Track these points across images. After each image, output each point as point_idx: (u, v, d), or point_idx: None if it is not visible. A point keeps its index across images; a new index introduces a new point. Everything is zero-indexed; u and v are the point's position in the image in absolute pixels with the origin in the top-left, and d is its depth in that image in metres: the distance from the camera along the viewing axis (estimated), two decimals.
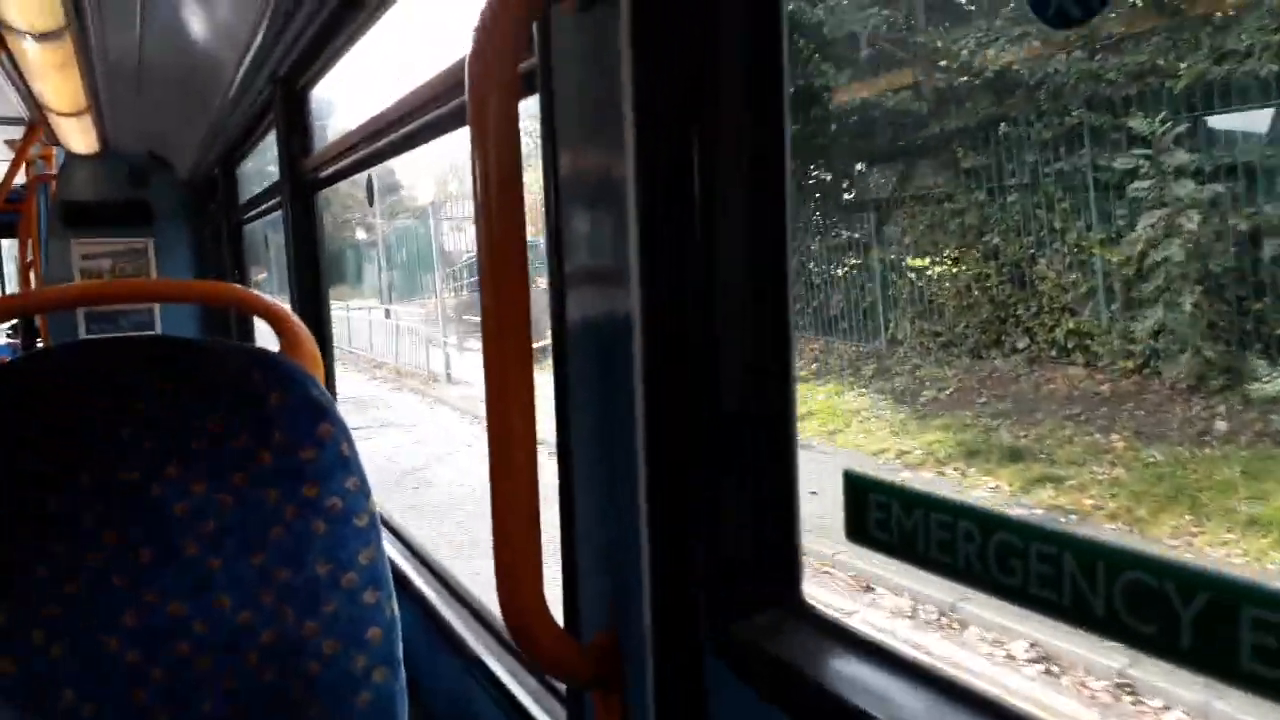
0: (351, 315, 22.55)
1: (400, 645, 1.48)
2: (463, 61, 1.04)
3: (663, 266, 0.94)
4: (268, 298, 1.84)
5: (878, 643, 0.84)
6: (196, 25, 2.80)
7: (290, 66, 2.63)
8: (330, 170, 2.39)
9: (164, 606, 1.43)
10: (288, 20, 2.37)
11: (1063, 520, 7.05)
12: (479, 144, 1.00)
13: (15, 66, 3.31)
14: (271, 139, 3.22)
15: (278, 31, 2.49)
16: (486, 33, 0.98)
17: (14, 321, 6.72)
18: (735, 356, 0.93)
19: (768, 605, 0.92)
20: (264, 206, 3.64)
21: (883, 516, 0.78)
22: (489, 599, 1.77)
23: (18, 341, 6.25)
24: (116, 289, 3.41)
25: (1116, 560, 0.60)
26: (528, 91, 1.11)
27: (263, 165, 4.59)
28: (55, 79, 3.40)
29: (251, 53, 2.72)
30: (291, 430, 1.45)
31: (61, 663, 1.39)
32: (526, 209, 1.03)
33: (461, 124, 1.48)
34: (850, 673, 0.82)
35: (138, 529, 1.44)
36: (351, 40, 2.30)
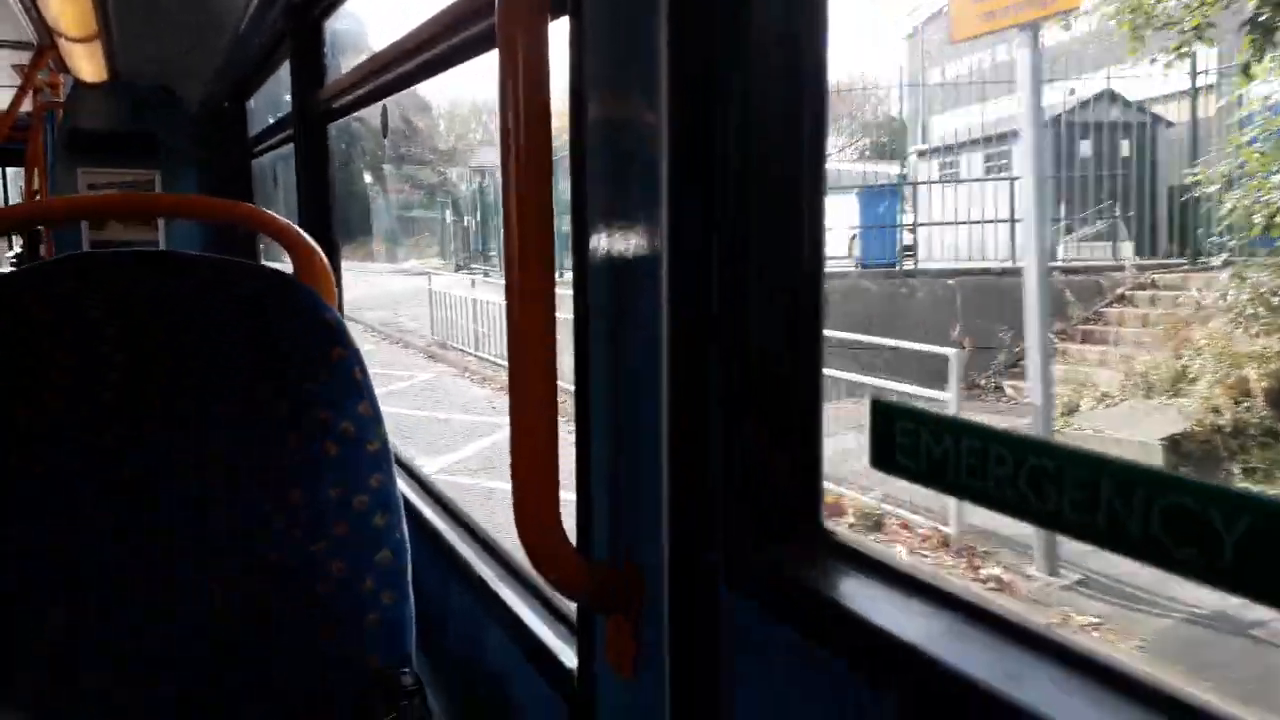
0: (434, 284, 17.92)
1: (409, 569, 1.49)
2: None
3: (692, 199, 0.93)
4: (283, 219, 1.83)
5: (899, 567, 0.84)
6: None
7: None
8: (344, 100, 2.36)
9: (171, 524, 1.43)
10: None
11: None
12: (508, 67, 0.98)
13: None
14: (283, 71, 3.18)
15: None
16: None
17: (17, 250, 6.70)
18: (764, 285, 0.92)
19: (787, 534, 0.92)
20: (275, 139, 3.60)
21: (909, 443, 0.77)
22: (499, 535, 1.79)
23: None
24: (123, 200, 3.38)
25: (1156, 484, 0.60)
26: (557, 13, 1.09)
27: (278, 96, 4.55)
28: (66, 3, 3.36)
29: None
30: (304, 353, 1.45)
31: (59, 577, 1.39)
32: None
33: (487, 48, 1.46)
34: (869, 595, 0.82)
35: (146, 446, 1.44)
36: None
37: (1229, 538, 0.56)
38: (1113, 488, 0.63)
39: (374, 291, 24.01)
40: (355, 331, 1.49)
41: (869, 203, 15.13)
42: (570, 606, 1.36)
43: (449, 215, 27.45)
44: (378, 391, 1.49)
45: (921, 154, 19.13)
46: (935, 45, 23.39)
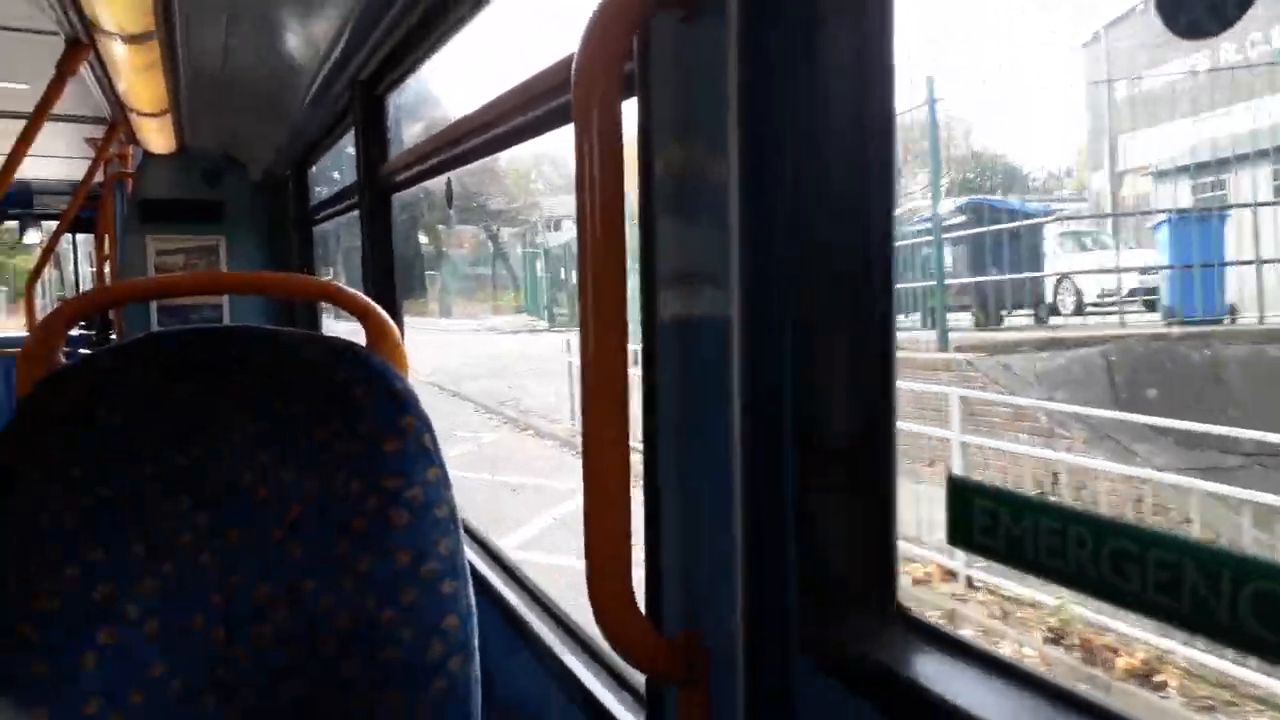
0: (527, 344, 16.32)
1: (476, 635, 1.50)
2: (562, 64, 1.06)
3: (762, 273, 0.95)
4: (351, 290, 1.88)
5: (975, 646, 0.84)
6: (281, 29, 2.86)
7: (371, 71, 2.69)
8: (408, 174, 2.43)
9: (249, 589, 1.47)
10: (371, 26, 2.42)
11: None
12: (584, 140, 1.02)
13: (102, 67, 3.41)
14: (345, 142, 3.28)
15: (360, 37, 2.54)
16: (595, 35, 1.01)
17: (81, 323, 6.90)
18: (837, 363, 0.94)
19: (862, 610, 0.93)
20: (338, 207, 3.71)
21: (988, 523, 0.78)
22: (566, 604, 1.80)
23: (92, 333, 6.42)
24: (197, 280, 3.49)
25: (1242, 570, 0.60)
26: (629, 93, 1.13)
27: (328, 167, 4.68)
28: (139, 80, 3.50)
29: (333, 58, 2.78)
30: (375, 421, 1.49)
31: (155, 637, 1.44)
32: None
33: (556, 125, 1.51)
34: (945, 673, 0.82)
35: (227, 513, 1.48)
36: (434, 48, 2.34)
37: None
38: (1196, 570, 0.63)
39: (462, 354, 20.59)
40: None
41: (1179, 235, 11.48)
42: (640, 678, 1.36)
43: (516, 268, 28.02)
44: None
45: (1162, 174, 15.88)
46: (1124, 52, 19.66)
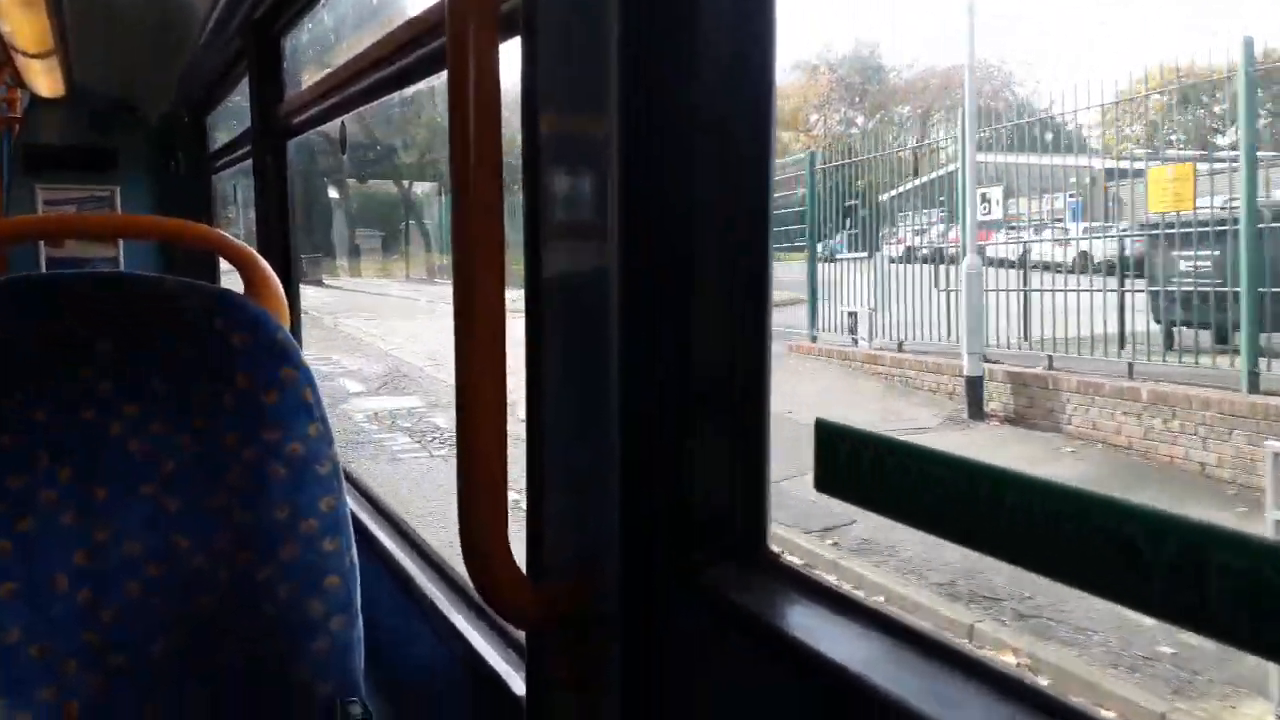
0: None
1: (358, 594, 1.47)
2: (443, 2, 1.01)
3: (642, 224, 0.93)
4: (235, 239, 1.81)
5: (839, 592, 0.84)
6: None
7: (265, 10, 2.58)
8: (303, 117, 2.34)
9: (117, 546, 1.41)
10: None
11: None
12: (458, 87, 0.98)
13: None
14: (244, 86, 3.16)
15: None
16: None
17: None
18: (712, 314, 0.92)
19: (734, 556, 0.92)
20: (234, 155, 3.57)
21: (852, 465, 0.77)
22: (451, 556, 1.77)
23: None
24: (80, 221, 3.34)
25: (1088, 509, 0.60)
26: (509, 34, 1.09)
27: (233, 114, 4.51)
28: (22, 17, 3.31)
29: None
30: (254, 373, 1.43)
31: (10, 601, 1.37)
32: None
33: (439, 68, 1.45)
34: (812, 621, 0.82)
35: (93, 467, 1.41)
36: None
37: (1157, 561, 0.56)
38: (1044, 510, 0.63)
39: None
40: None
41: None
42: (522, 633, 1.35)
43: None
44: None
45: None
46: None
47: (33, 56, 3.86)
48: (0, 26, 3.47)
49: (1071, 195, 11.77)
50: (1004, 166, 11.42)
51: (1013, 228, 11.69)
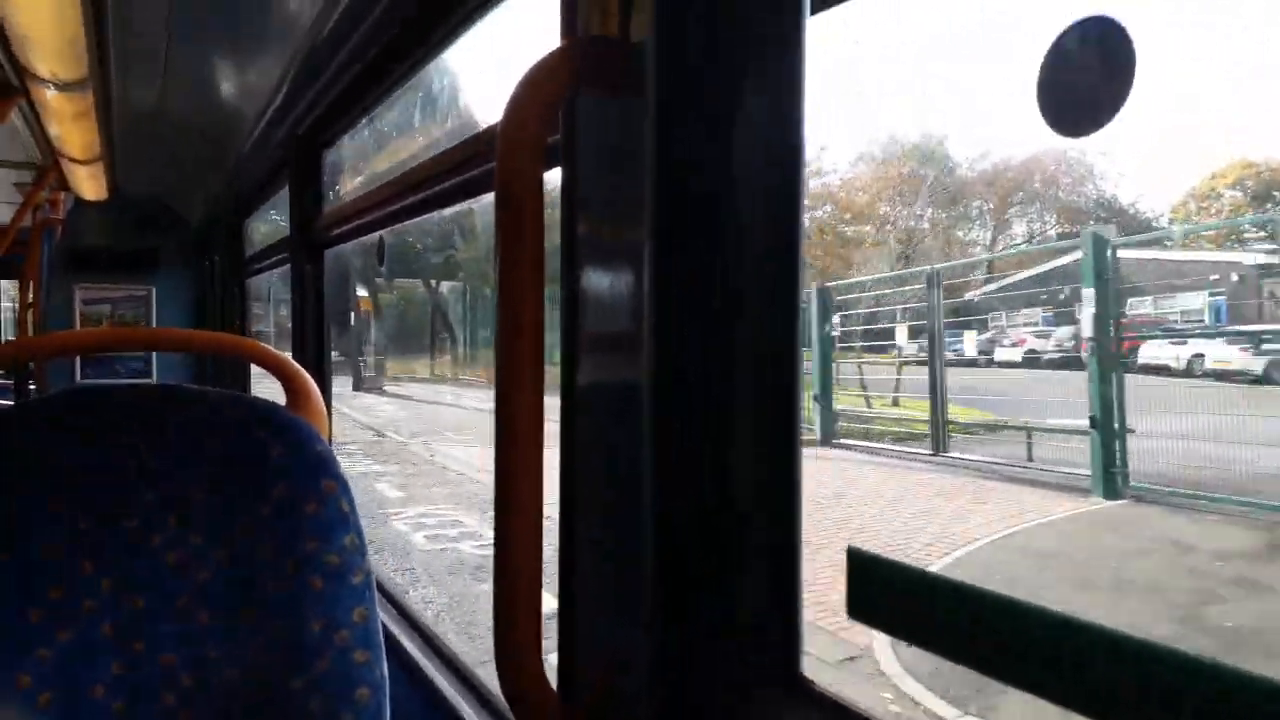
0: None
1: (388, 707, 1.47)
2: (487, 131, 1.07)
3: (677, 334, 0.96)
4: (275, 351, 1.86)
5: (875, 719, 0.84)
6: (218, 81, 2.86)
7: (309, 126, 2.69)
8: (342, 229, 2.42)
9: (153, 657, 1.42)
10: (309, 81, 2.43)
11: None
12: (505, 207, 1.03)
13: (34, 112, 3.36)
14: (283, 194, 3.27)
15: (299, 90, 2.54)
16: (519, 109, 1.03)
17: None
18: (745, 435, 0.95)
19: (768, 682, 0.93)
20: (270, 260, 3.67)
21: (885, 595, 0.79)
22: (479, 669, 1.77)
23: (9, 382, 6.23)
24: (122, 336, 3.42)
25: (1136, 655, 0.61)
26: (550, 164, 1.15)
27: (269, 219, 4.64)
28: (72, 128, 3.46)
29: (271, 110, 2.78)
30: (293, 484, 1.46)
31: (47, 710, 1.38)
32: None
33: (481, 191, 1.52)
34: None
35: (133, 578, 1.43)
36: (372, 105, 2.35)
37: (1197, 705, 0.57)
38: (1103, 659, 0.64)
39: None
40: None
41: None
42: None
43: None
44: None
45: None
46: None
47: (79, 163, 4.01)
48: (49, 132, 3.62)
49: (1213, 294, 10.34)
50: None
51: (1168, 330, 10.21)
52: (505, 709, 1.58)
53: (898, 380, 12.78)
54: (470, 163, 1.48)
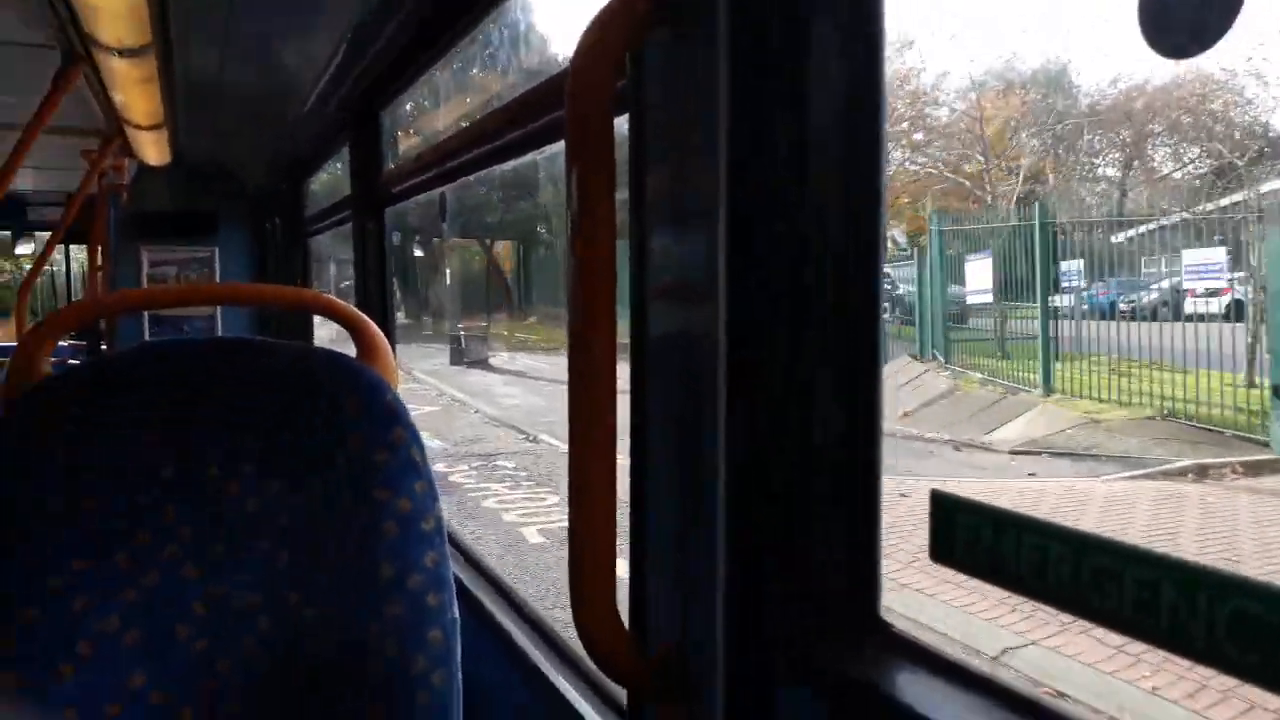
0: None
1: (459, 649, 1.50)
2: (555, 80, 1.06)
3: (750, 287, 0.96)
4: (343, 303, 1.89)
5: (958, 662, 0.84)
6: (278, 47, 2.88)
7: (366, 88, 2.71)
8: (403, 186, 2.44)
9: (233, 600, 1.47)
10: (368, 44, 2.44)
11: None
12: (576, 157, 1.03)
13: (99, 80, 3.42)
14: (342, 154, 3.30)
15: (356, 55, 2.56)
16: (588, 53, 1.02)
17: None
18: (824, 379, 0.94)
19: (844, 625, 0.93)
20: (331, 220, 3.72)
21: (971, 538, 0.79)
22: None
23: (82, 343, 6.40)
24: (189, 292, 3.49)
25: (1219, 588, 0.61)
26: (621, 109, 1.14)
27: (326, 179, 4.69)
28: (135, 94, 3.51)
29: (329, 74, 2.80)
30: (366, 433, 1.49)
31: (135, 648, 1.43)
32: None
33: (549, 140, 1.52)
34: (927, 691, 0.83)
35: (214, 523, 1.48)
36: (427, 67, 2.36)
37: None
38: (1173, 589, 0.64)
39: None
40: None
41: None
42: (621, 693, 1.36)
43: None
44: None
45: None
46: None
47: (143, 129, 4.08)
48: (113, 99, 3.68)
49: None
50: None
51: None
52: (576, 655, 1.61)
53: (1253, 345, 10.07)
54: (537, 112, 1.48)
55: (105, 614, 1.43)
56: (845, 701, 0.88)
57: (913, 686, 0.84)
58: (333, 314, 1.86)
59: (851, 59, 0.93)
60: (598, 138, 1.02)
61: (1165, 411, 10.75)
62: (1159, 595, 0.64)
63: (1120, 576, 0.67)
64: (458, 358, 22.06)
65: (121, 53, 3.02)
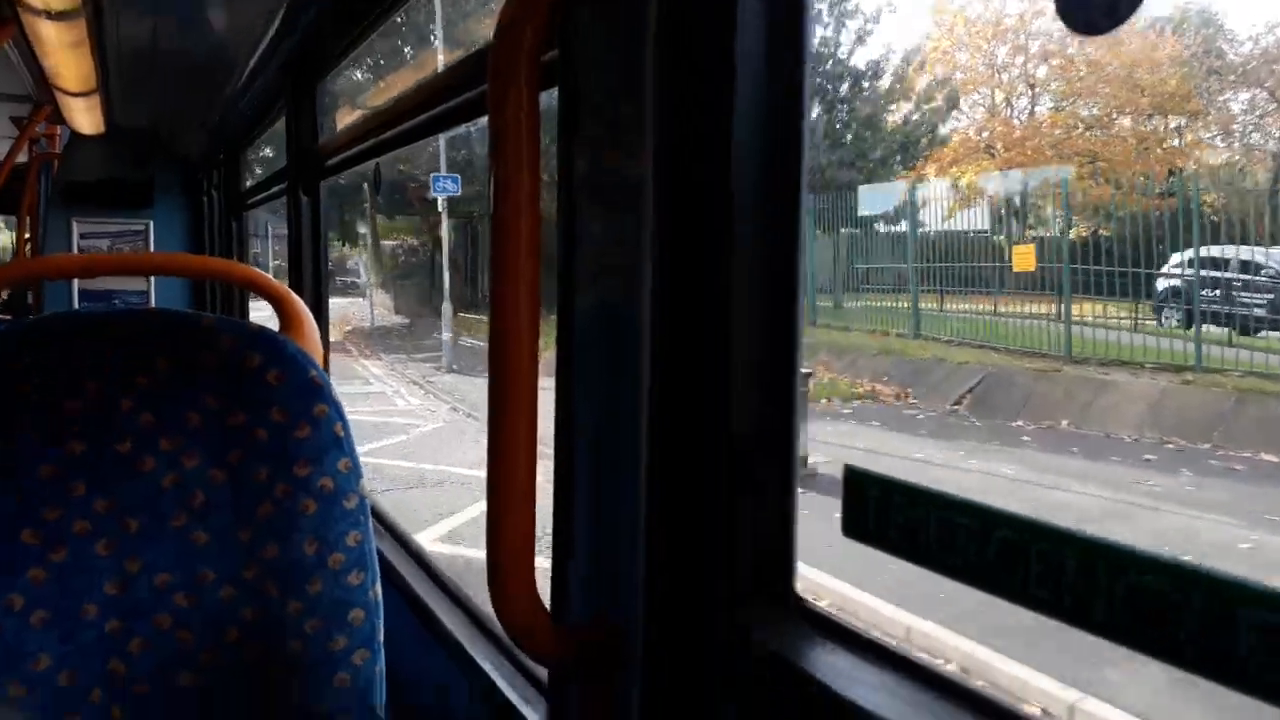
0: None
1: (381, 629, 1.48)
2: (481, 52, 1.04)
3: (676, 268, 0.95)
4: (273, 279, 1.85)
5: (869, 638, 0.84)
6: (211, 12, 2.81)
7: (302, 57, 2.65)
8: (338, 159, 2.40)
9: (148, 577, 1.43)
10: (303, 10, 2.38)
11: None
12: (498, 133, 1.01)
13: (28, 44, 3.31)
14: (278, 126, 3.23)
15: (293, 21, 2.50)
16: (510, 23, 1.00)
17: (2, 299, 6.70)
18: (742, 355, 0.94)
19: (762, 604, 0.93)
20: (268, 193, 3.64)
21: (881, 513, 0.79)
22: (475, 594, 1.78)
23: (7, 317, 6.23)
24: (121, 261, 3.41)
25: (1117, 561, 0.61)
26: (547, 84, 1.12)
27: (264, 151, 4.59)
28: (66, 58, 3.41)
29: (264, 42, 2.73)
30: (287, 409, 1.46)
31: (41, 628, 1.39)
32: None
33: (478, 114, 1.49)
34: (839, 665, 0.83)
35: (127, 499, 1.44)
36: (364, 35, 2.31)
37: (1187, 616, 0.56)
38: (1075, 563, 0.64)
39: None
40: None
41: None
42: (544, 671, 1.35)
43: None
44: None
45: None
46: None
47: (74, 95, 3.96)
48: (44, 64, 3.57)
49: None
50: None
51: None
52: (500, 632, 1.59)
53: None
54: (467, 84, 1.46)
55: (7, 591, 1.39)
56: (763, 676, 0.88)
57: (826, 661, 0.84)
58: (256, 287, 1.82)
59: (776, 33, 0.92)
60: (521, 113, 1.00)
61: None
62: (1063, 569, 0.64)
63: (1026, 550, 0.67)
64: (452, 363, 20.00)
65: (51, 15, 2.93)
